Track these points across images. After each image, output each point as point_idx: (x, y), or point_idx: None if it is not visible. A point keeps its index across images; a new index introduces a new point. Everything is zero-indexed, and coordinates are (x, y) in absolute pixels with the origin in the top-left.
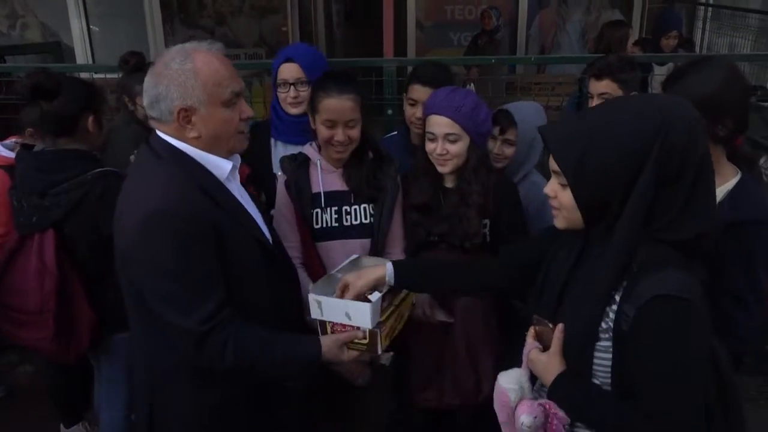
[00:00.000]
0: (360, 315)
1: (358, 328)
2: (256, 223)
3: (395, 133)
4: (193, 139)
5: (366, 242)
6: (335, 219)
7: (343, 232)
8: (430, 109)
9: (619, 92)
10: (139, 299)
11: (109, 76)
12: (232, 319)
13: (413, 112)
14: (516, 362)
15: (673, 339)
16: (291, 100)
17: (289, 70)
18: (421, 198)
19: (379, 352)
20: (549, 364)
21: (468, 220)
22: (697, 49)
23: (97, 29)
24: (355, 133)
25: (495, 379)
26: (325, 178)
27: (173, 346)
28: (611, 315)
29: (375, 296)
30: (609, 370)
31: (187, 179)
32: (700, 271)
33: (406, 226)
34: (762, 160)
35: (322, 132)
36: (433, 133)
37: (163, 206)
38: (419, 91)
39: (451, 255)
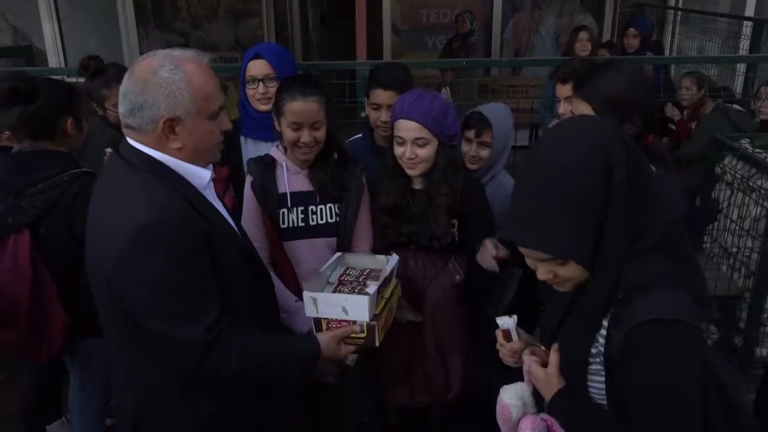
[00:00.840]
0: (357, 308)
1: (354, 322)
2: (235, 230)
3: (359, 135)
4: (175, 149)
5: (332, 241)
6: (301, 219)
7: (309, 231)
8: (398, 114)
9: None
10: (121, 316)
11: (80, 79)
12: (230, 327)
13: (377, 116)
14: (485, 360)
15: (657, 367)
16: (260, 96)
17: (257, 67)
18: (391, 200)
19: (377, 344)
20: (548, 380)
21: (437, 221)
22: (667, 52)
23: (69, 33)
24: (320, 134)
25: (464, 376)
26: (291, 179)
27: (160, 361)
28: (601, 340)
29: (372, 288)
30: (604, 392)
31: (168, 189)
32: (696, 282)
33: (374, 226)
34: (726, 160)
35: (288, 134)
36: (401, 138)
37: (152, 218)
38: (381, 96)
39: (420, 255)
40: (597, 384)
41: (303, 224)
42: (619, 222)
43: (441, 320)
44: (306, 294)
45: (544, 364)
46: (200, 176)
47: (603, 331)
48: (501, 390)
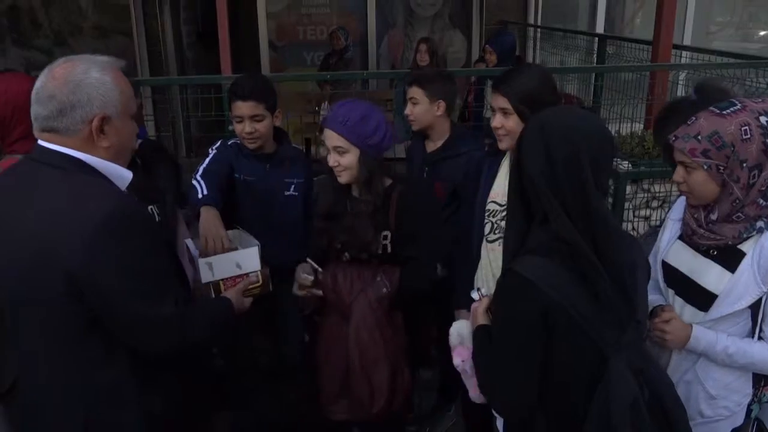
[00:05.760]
0: (250, 260)
1: (248, 275)
2: None
3: (238, 141)
4: (103, 148)
5: None
6: None
7: None
8: (324, 122)
9: (426, 99)
10: (72, 320)
11: None
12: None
13: (242, 128)
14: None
15: (500, 305)
16: None
17: None
18: (325, 206)
19: (271, 289)
20: (476, 318)
21: (362, 231)
22: None
23: None
24: None
25: (391, 391)
26: None
27: (115, 361)
28: None
29: (253, 241)
30: None
31: (107, 185)
32: (590, 272)
33: (312, 231)
34: None
35: None
36: (326, 146)
37: (116, 207)
38: (242, 107)
39: (349, 269)
40: None
41: None
42: (513, 209)
43: (365, 335)
44: (201, 261)
45: None
46: (123, 176)
47: None
48: (453, 323)
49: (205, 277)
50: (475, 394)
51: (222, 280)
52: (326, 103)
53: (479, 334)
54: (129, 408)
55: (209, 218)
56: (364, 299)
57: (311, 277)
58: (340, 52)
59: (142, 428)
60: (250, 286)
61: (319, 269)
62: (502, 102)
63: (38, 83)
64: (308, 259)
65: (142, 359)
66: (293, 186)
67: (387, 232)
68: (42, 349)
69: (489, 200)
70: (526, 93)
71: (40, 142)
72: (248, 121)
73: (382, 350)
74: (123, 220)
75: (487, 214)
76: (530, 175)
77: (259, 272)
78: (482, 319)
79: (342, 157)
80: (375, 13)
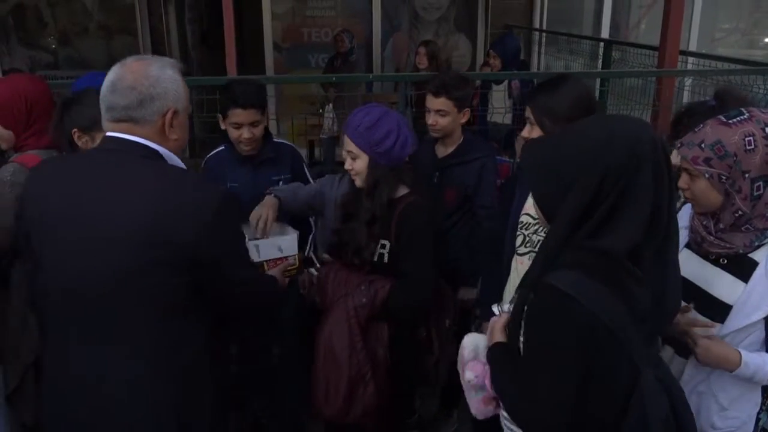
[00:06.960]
0: (289, 245)
1: (286, 258)
2: None
3: (222, 148)
4: (172, 141)
5: None
6: None
7: None
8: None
9: (455, 109)
10: (179, 292)
11: None
12: None
13: (239, 134)
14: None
15: (540, 323)
16: None
17: None
18: (340, 206)
19: (305, 271)
20: (493, 333)
21: (358, 235)
22: (534, 69)
23: None
24: None
25: (346, 400)
26: None
27: (199, 331)
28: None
29: (292, 230)
30: None
31: (192, 173)
32: (629, 286)
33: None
34: None
35: None
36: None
37: (218, 192)
38: (241, 115)
39: (340, 272)
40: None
41: None
42: (562, 220)
43: (334, 339)
44: (250, 243)
45: None
46: (182, 166)
47: None
48: (466, 335)
49: (252, 257)
50: (478, 410)
51: (266, 261)
52: (330, 105)
53: (497, 351)
54: (206, 382)
55: (268, 202)
56: (344, 305)
57: (314, 272)
58: (345, 55)
59: (216, 399)
60: (289, 268)
61: (318, 264)
62: (528, 112)
63: (112, 76)
64: (310, 253)
65: (215, 334)
66: (281, 183)
67: (386, 242)
68: (129, 337)
69: (523, 212)
70: (548, 106)
71: (110, 133)
72: (247, 128)
73: (346, 358)
74: (227, 200)
75: (519, 226)
76: (536, 202)
77: (296, 256)
78: (500, 336)
79: (354, 162)
80: (380, 15)
